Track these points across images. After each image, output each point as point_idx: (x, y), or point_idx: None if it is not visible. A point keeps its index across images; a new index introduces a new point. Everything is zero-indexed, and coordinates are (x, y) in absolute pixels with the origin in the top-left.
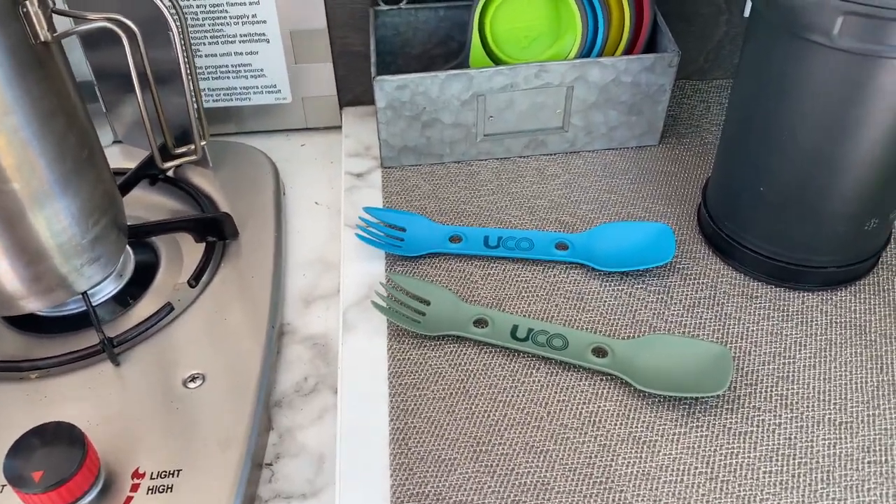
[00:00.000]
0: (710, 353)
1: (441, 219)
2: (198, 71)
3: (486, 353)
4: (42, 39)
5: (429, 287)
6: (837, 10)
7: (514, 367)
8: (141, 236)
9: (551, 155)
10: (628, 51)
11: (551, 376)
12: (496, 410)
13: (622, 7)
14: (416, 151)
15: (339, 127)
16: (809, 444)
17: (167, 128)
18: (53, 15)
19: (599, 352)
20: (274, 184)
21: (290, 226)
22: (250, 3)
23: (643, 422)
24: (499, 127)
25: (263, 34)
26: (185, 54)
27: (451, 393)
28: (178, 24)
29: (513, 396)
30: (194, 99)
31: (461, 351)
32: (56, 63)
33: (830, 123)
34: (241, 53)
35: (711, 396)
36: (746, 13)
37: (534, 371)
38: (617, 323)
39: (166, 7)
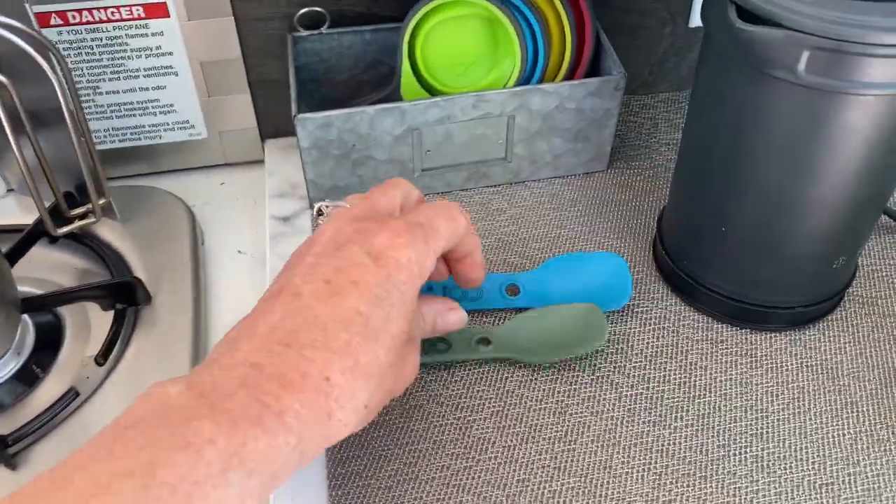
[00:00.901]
0: (582, 312)
1: None
2: (100, 109)
3: (435, 428)
4: None
5: None
6: (803, 45)
7: (468, 441)
8: (38, 309)
9: (495, 187)
10: (571, 72)
11: (509, 451)
12: (449, 498)
13: (562, 26)
14: (347, 191)
15: (262, 161)
16: None
17: (56, 188)
18: None
19: (484, 342)
20: (190, 234)
21: (210, 280)
22: (153, 35)
23: (610, 499)
24: (437, 161)
25: (171, 66)
26: (71, 107)
27: (399, 480)
28: (59, 71)
29: (467, 479)
30: (88, 154)
31: (408, 427)
32: None
33: (795, 161)
34: (146, 89)
35: (599, 347)
36: (692, 24)
37: (490, 446)
38: (575, 379)
39: (44, 56)
